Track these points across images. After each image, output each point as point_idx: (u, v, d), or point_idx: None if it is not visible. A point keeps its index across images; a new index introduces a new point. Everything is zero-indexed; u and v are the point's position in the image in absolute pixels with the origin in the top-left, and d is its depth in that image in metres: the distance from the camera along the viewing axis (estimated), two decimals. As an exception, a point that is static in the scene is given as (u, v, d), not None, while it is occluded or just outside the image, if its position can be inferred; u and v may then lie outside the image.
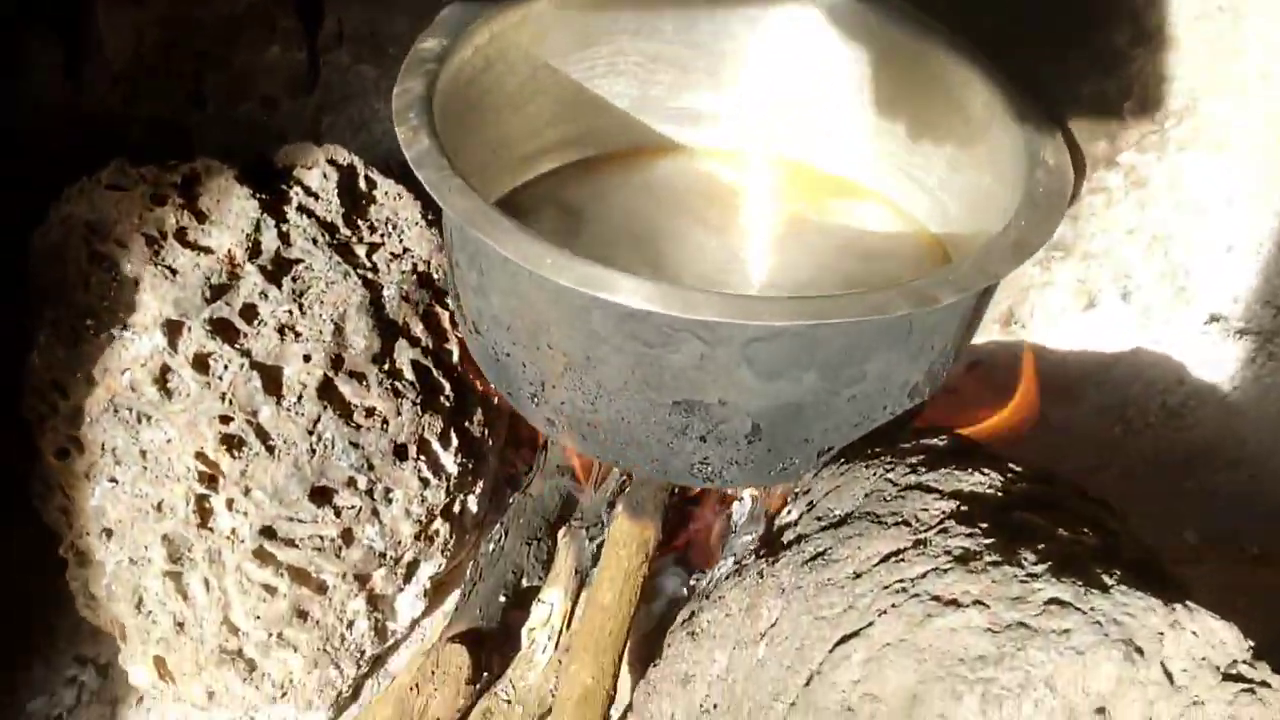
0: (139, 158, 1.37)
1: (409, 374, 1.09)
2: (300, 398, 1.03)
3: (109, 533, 1.04)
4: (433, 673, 1.06)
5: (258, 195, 1.09)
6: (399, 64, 0.98)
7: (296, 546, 1.04)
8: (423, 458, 1.09)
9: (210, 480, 1.02)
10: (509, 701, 1.10)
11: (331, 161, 1.18)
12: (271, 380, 1.03)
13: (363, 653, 1.13)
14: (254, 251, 1.06)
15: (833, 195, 1.28)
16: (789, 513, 0.91)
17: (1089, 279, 1.19)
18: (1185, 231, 1.17)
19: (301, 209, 1.11)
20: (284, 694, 1.09)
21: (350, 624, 1.11)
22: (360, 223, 1.16)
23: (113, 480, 1.03)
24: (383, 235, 1.16)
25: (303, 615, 1.07)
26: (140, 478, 1.02)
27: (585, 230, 1.20)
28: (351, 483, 1.05)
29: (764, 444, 0.92)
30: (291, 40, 1.32)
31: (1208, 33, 1.10)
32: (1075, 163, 1.10)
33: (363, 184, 1.20)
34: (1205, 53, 1.12)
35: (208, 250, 1.04)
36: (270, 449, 1.02)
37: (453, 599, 1.22)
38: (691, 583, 1.15)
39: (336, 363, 1.05)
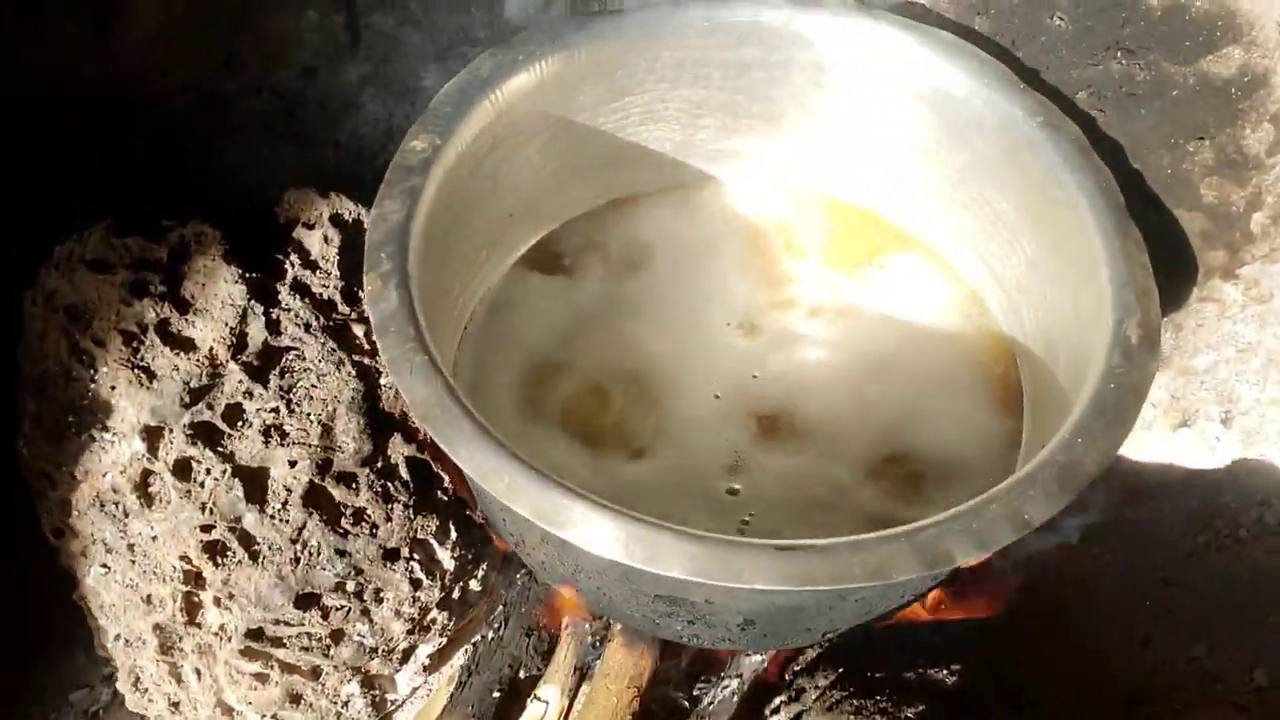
0: (170, 135, 1.31)
1: (403, 471, 1.03)
2: (285, 504, 0.98)
3: (105, 610, 1.04)
4: (421, 777, 1.04)
5: (247, 275, 1.01)
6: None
7: (285, 645, 1.02)
8: (416, 558, 1.04)
9: (197, 578, 0.99)
10: (501, 796, 1.09)
11: (336, 218, 1.09)
12: (255, 485, 0.98)
13: (361, 726, 1.12)
14: (239, 346, 0.99)
15: (894, 248, 1.13)
16: (777, 707, 0.83)
17: (1185, 397, 1.02)
18: (1311, 355, 0.99)
19: (296, 286, 1.03)
20: (284, 764, 1.10)
21: (346, 703, 1.09)
22: (362, 295, 1.07)
23: (105, 566, 1.01)
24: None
25: (296, 699, 1.06)
26: (130, 569, 1.00)
27: (617, 278, 1.12)
28: (339, 587, 1.01)
29: (759, 630, 0.84)
30: (329, 2, 1.21)
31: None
32: (1182, 268, 0.93)
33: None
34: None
35: (190, 345, 0.98)
36: (254, 555, 0.98)
37: (460, 656, 1.20)
38: (695, 692, 1.09)
39: (324, 466, 0.99)
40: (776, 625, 0.82)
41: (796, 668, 0.85)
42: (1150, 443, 1.08)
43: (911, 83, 1.01)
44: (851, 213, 1.16)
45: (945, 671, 0.75)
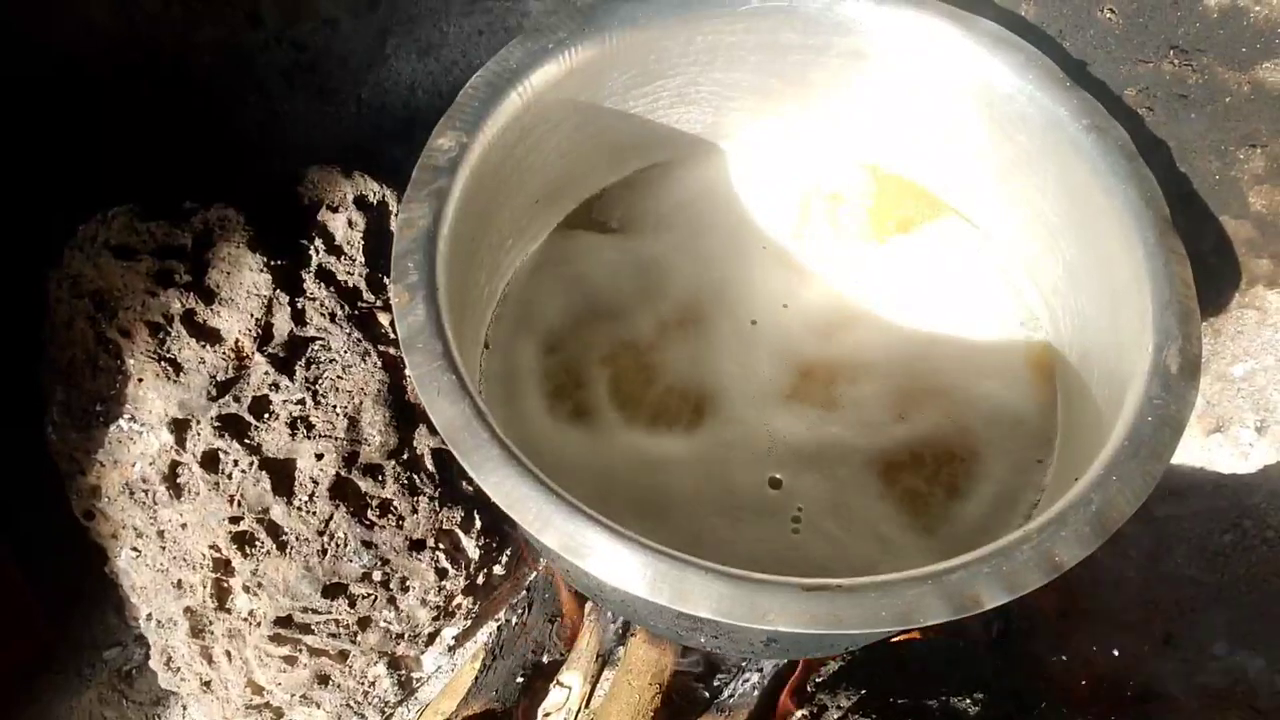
0: (193, 95, 1.30)
1: (429, 463, 1.03)
2: (312, 496, 0.98)
3: (136, 590, 1.06)
4: (447, 755, 1.07)
5: (272, 263, 1.00)
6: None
7: (313, 632, 1.03)
8: (441, 548, 1.05)
9: (226, 567, 1.00)
10: (523, 774, 1.12)
11: (361, 201, 1.07)
12: (282, 477, 0.98)
13: (387, 703, 1.15)
14: (264, 337, 0.98)
15: (930, 214, 1.11)
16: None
17: (1221, 404, 1.01)
18: (1352, 367, 0.97)
19: (321, 274, 1.02)
20: (312, 737, 1.13)
21: (373, 683, 1.12)
22: (387, 281, 1.05)
23: (135, 550, 1.03)
24: (410, 293, 1.06)
25: (324, 680, 1.08)
26: (160, 555, 1.01)
27: (648, 242, 1.11)
28: (366, 577, 1.02)
29: (782, 646, 0.84)
30: (349, -48, 1.17)
31: None
32: (1224, 274, 0.91)
33: (393, 224, 1.08)
34: None
35: (216, 337, 0.97)
36: (282, 546, 0.99)
37: (484, 634, 1.22)
38: (715, 684, 1.11)
39: (350, 458, 0.99)
40: (799, 643, 0.83)
41: (819, 678, 0.86)
42: (1182, 446, 1.07)
43: (955, 75, 0.97)
44: (891, 185, 1.13)
45: (969, 701, 0.75)
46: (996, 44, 0.94)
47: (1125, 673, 1.11)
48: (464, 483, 1.06)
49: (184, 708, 1.25)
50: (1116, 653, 1.11)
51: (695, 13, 0.98)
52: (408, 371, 0.76)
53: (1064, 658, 1.08)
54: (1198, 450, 1.04)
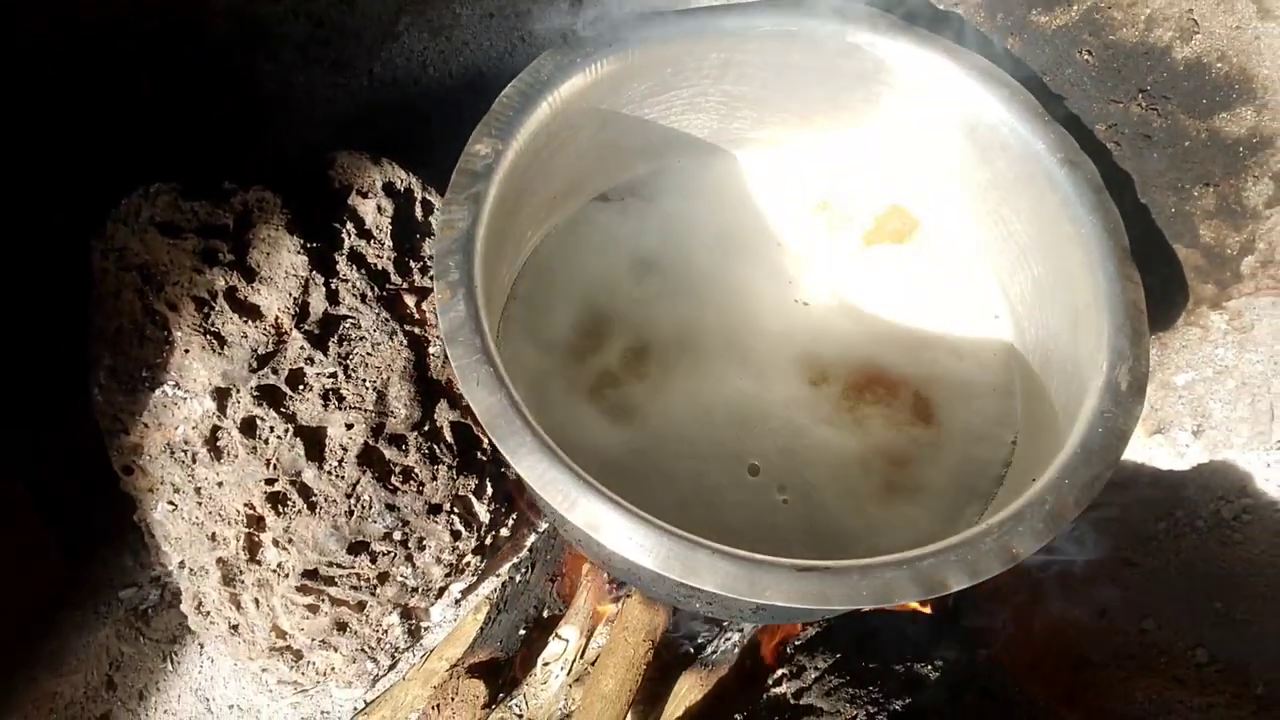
0: (209, 60, 1.35)
1: (448, 435, 1.12)
2: (341, 462, 1.07)
3: (169, 540, 1.14)
4: (453, 698, 1.17)
5: (308, 245, 1.07)
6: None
7: (336, 584, 1.13)
8: (456, 512, 1.14)
9: (259, 523, 1.09)
10: (520, 716, 1.23)
11: (389, 188, 1.15)
12: (314, 444, 1.07)
13: (397, 649, 1.25)
14: (301, 315, 1.06)
15: (912, 225, 1.21)
16: (780, 679, 0.95)
17: (1163, 409, 1.12)
18: (1279, 381, 1.09)
19: (353, 257, 1.10)
20: (326, 678, 1.23)
21: (386, 630, 1.22)
22: (413, 265, 1.14)
23: (172, 504, 1.11)
24: (433, 276, 1.14)
25: (342, 627, 1.18)
26: (196, 510, 1.10)
27: (651, 236, 1.20)
28: (388, 536, 1.11)
29: (769, 614, 0.95)
30: (366, -75, 1.24)
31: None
32: (1173, 295, 1.02)
33: (419, 212, 1.16)
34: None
35: (257, 313, 1.05)
36: (312, 506, 1.08)
37: (486, 587, 1.32)
38: (699, 640, 1.22)
39: (378, 429, 1.08)
40: (785, 612, 0.94)
41: (797, 642, 0.97)
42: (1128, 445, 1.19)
43: (946, 102, 1.06)
44: (879, 194, 1.22)
45: (929, 667, 0.87)
46: (985, 77, 1.03)
47: (1064, 643, 1.24)
48: (478, 453, 1.15)
49: (201, 646, 1.34)
50: (1058, 625, 1.24)
51: (712, 33, 1.06)
52: (450, 363, 0.84)
53: (1012, 630, 1.21)
54: (1140, 448, 1.16)
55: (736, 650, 1.14)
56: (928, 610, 1.03)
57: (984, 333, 1.13)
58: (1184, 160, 0.97)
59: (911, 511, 1.02)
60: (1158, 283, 1.03)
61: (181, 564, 1.15)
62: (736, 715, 0.93)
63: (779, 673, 0.95)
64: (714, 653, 1.17)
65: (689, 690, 1.13)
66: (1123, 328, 0.91)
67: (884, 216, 1.23)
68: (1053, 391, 1.00)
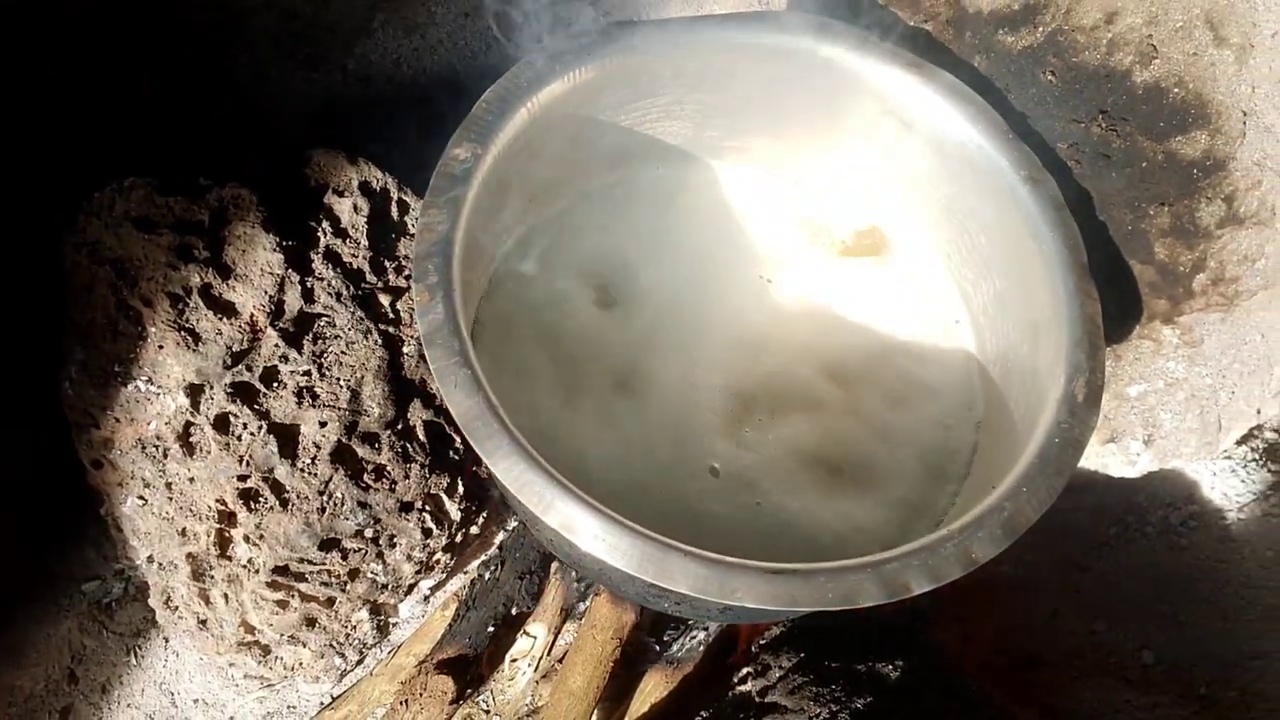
0: (191, 50, 1.35)
1: (421, 434, 1.13)
2: (314, 459, 1.08)
3: (139, 534, 1.14)
4: (421, 693, 1.19)
5: (283, 243, 1.08)
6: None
7: (306, 580, 1.14)
8: (428, 510, 1.15)
9: (230, 519, 1.10)
10: (487, 712, 1.25)
11: (365, 187, 1.15)
12: (288, 441, 1.08)
13: (366, 644, 1.26)
14: (276, 313, 1.07)
15: (879, 236, 1.24)
16: (745, 677, 0.98)
17: (1116, 418, 1.16)
18: (1226, 394, 1.13)
19: (328, 255, 1.11)
20: (294, 673, 1.24)
21: (355, 626, 1.23)
22: (388, 265, 1.15)
23: (142, 499, 1.11)
24: (409, 277, 1.16)
25: (312, 623, 1.19)
26: (167, 505, 1.10)
27: (633, 234, 1.21)
28: (359, 534, 1.12)
29: (736, 614, 0.98)
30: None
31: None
32: (1128, 309, 1.06)
33: (395, 211, 1.17)
34: (1301, 238, 1.02)
35: (232, 310, 1.05)
36: (285, 503, 1.08)
37: (455, 582, 1.34)
38: (665, 638, 1.24)
39: (351, 427, 1.09)
40: (752, 612, 0.96)
41: (762, 641, 1.00)
42: (1081, 452, 1.23)
43: (915, 117, 1.09)
44: (847, 203, 1.25)
45: (891, 667, 0.90)
46: (953, 95, 1.06)
47: (1019, 643, 1.28)
48: (450, 452, 1.17)
49: (166, 640, 1.34)
50: (1012, 625, 1.28)
51: (688, 43, 1.08)
52: (429, 365, 0.86)
53: (969, 629, 1.25)
54: (1094, 456, 1.20)
55: (702, 648, 1.17)
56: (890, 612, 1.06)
57: (948, 343, 1.16)
58: (1141, 180, 1.01)
59: (873, 514, 1.05)
60: (1114, 297, 1.07)
61: (150, 558, 1.15)
62: (701, 712, 0.96)
63: (744, 671, 0.97)
64: (680, 651, 1.19)
65: (654, 687, 1.15)
66: (1080, 341, 0.94)
67: (855, 228, 1.25)
68: (1012, 401, 1.04)
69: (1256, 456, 1.32)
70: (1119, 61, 1.01)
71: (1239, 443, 1.31)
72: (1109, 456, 1.20)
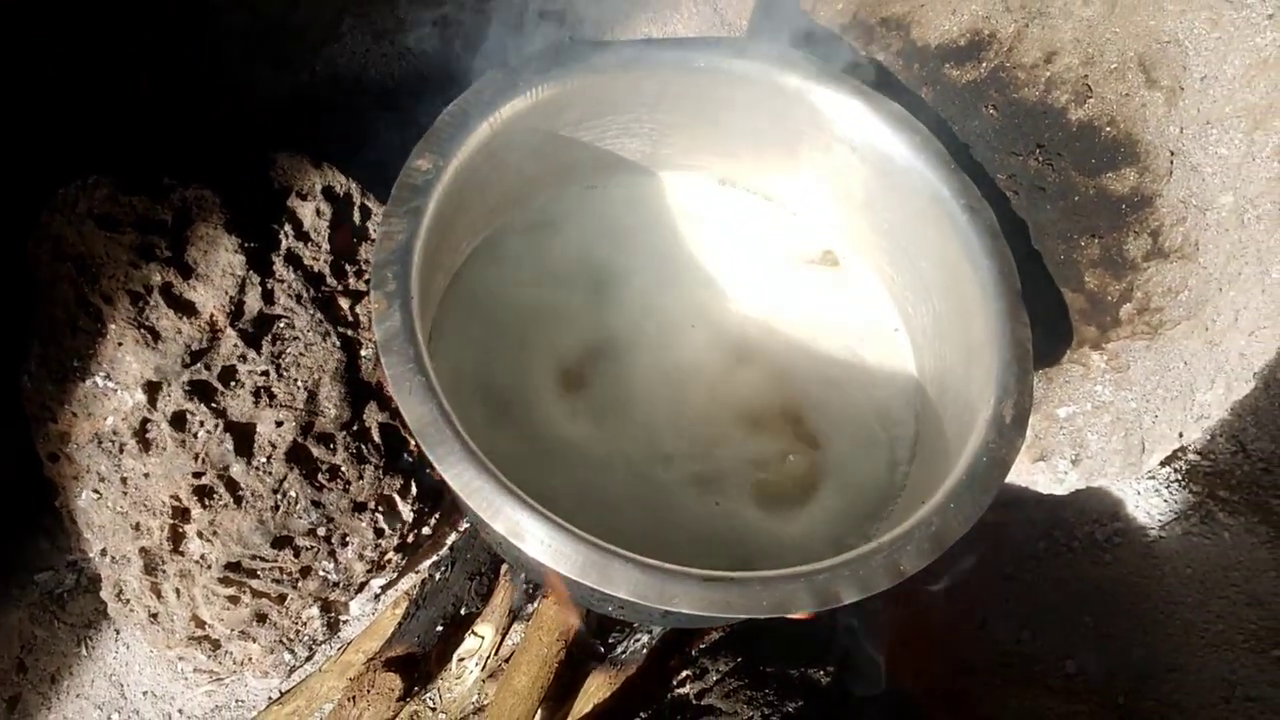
0: (157, 46, 1.36)
1: (376, 436, 1.16)
2: (269, 458, 1.10)
3: (92, 527, 1.16)
4: (368, 690, 1.21)
5: (245, 245, 1.10)
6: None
7: (258, 576, 1.16)
8: (381, 510, 1.18)
9: (184, 514, 1.12)
10: (434, 709, 1.27)
11: (328, 192, 1.18)
12: (244, 439, 1.10)
13: (315, 641, 1.28)
14: (236, 313, 1.09)
15: (825, 257, 1.28)
16: (684, 680, 1.02)
17: (1046, 438, 1.22)
18: (1150, 418, 1.19)
19: (289, 258, 1.13)
20: (243, 668, 1.26)
21: (305, 623, 1.25)
22: (348, 268, 1.17)
23: (97, 493, 1.13)
24: (368, 282, 1.18)
25: (262, 619, 1.21)
26: (121, 500, 1.11)
27: (588, 245, 1.24)
28: (312, 532, 1.15)
29: (676, 619, 1.01)
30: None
31: (1225, 248, 1.06)
32: (1060, 334, 1.11)
33: (357, 215, 1.20)
34: (1219, 271, 1.08)
35: (192, 310, 1.07)
36: (239, 500, 1.11)
37: (405, 582, 1.36)
38: (610, 640, 1.28)
39: (307, 427, 1.11)
40: (691, 618, 1.00)
41: (702, 645, 1.03)
42: (1013, 469, 1.28)
43: (862, 144, 1.13)
44: (796, 229, 1.29)
45: (821, 672, 0.94)
46: (899, 124, 1.11)
47: (950, 651, 1.33)
48: (404, 454, 1.19)
49: (117, 632, 1.35)
50: (944, 634, 1.33)
51: (648, 64, 1.12)
52: (384, 371, 0.88)
53: (900, 638, 1.29)
54: (1024, 473, 1.25)
55: (645, 652, 1.20)
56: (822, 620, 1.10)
57: (888, 364, 1.21)
58: (1073, 213, 1.06)
59: (808, 527, 1.09)
60: (1046, 323, 1.12)
61: (103, 551, 1.17)
62: (641, 713, 0.99)
63: (683, 674, 1.01)
64: (624, 653, 1.22)
65: (598, 688, 1.18)
66: (1010, 365, 0.99)
67: (806, 246, 1.30)
68: (946, 420, 1.08)
69: (1178, 477, 1.38)
70: (1056, 99, 1.06)
71: (1162, 464, 1.37)
72: (1039, 474, 1.25)
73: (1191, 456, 1.40)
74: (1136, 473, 1.24)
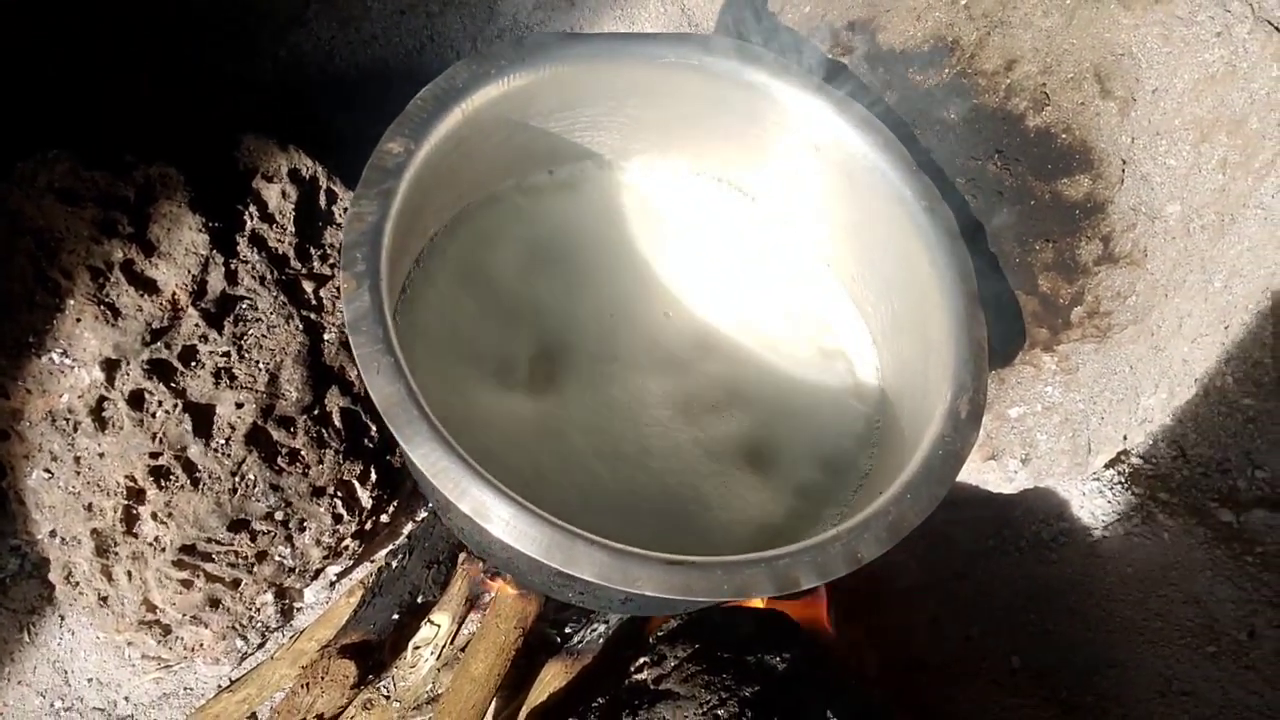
0: (120, 28, 1.35)
1: (337, 420, 1.15)
2: (228, 440, 1.09)
3: (42, 508, 1.13)
4: (322, 677, 1.20)
5: (209, 225, 1.09)
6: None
7: (213, 560, 1.15)
8: (340, 496, 1.17)
9: (139, 495, 1.10)
10: (388, 697, 1.27)
11: (294, 174, 1.17)
12: (203, 420, 1.09)
13: (269, 628, 1.27)
14: (199, 293, 1.08)
15: (792, 254, 1.31)
16: (641, 666, 1.03)
17: (997, 438, 1.25)
18: (1097, 420, 1.22)
19: (254, 239, 1.12)
20: (194, 654, 1.24)
21: (259, 609, 1.23)
22: (313, 251, 1.17)
23: (48, 472, 1.11)
24: (334, 265, 1.18)
25: (215, 604, 1.19)
26: (74, 479, 1.10)
27: (547, 236, 1.24)
28: (269, 516, 1.14)
29: (636, 605, 1.02)
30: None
31: (1171, 256, 1.10)
32: (1013, 336, 1.14)
33: (323, 200, 1.19)
34: (1165, 278, 1.12)
35: (153, 287, 1.06)
36: (196, 483, 1.09)
37: (361, 570, 1.35)
38: (567, 630, 1.28)
39: (267, 410, 1.11)
40: (652, 604, 1.01)
41: (660, 633, 1.04)
42: (965, 468, 1.31)
43: (827, 144, 1.16)
44: (759, 226, 1.31)
45: (778, 658, 0.96)
46: (863, 125, 1.13)
47: (901, 646, 1.36)
48: (365, 440, 1.19)
49: (61, 618, 1.32)
50: (896, 629, 1.36)
51: (620, 57, 1.13)
52: (353, 351, 0.88)
53: (854, 629, 1.32)
54: (975, 472, 1.28)
55: (601, 641, 1.21)
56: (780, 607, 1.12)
57: (850, 360, 1.23)
58: (1029, 217, 1.09)
59: (771, 518, 1.11)
60: (1000, 324, 1.15)
61: (53, 533, 1.14)
62: (598, 699, 1.00)
63: (641, 660, 1.02)
64: (580, 643, 1.23)
65: (554, 677, 1.19)
66: (967, 362, 1.02)
67: (767, 242, 1.32)
68: (904, 416, 1.11)
69: (1122, 480, 1.42)
70: (1015, 106, 1.10)
71: (1107, 466, 1.41)
72: (989, 473, 1.28)
73: (1135, 460, 1.45)
74: (1083, 473, 1.27)
